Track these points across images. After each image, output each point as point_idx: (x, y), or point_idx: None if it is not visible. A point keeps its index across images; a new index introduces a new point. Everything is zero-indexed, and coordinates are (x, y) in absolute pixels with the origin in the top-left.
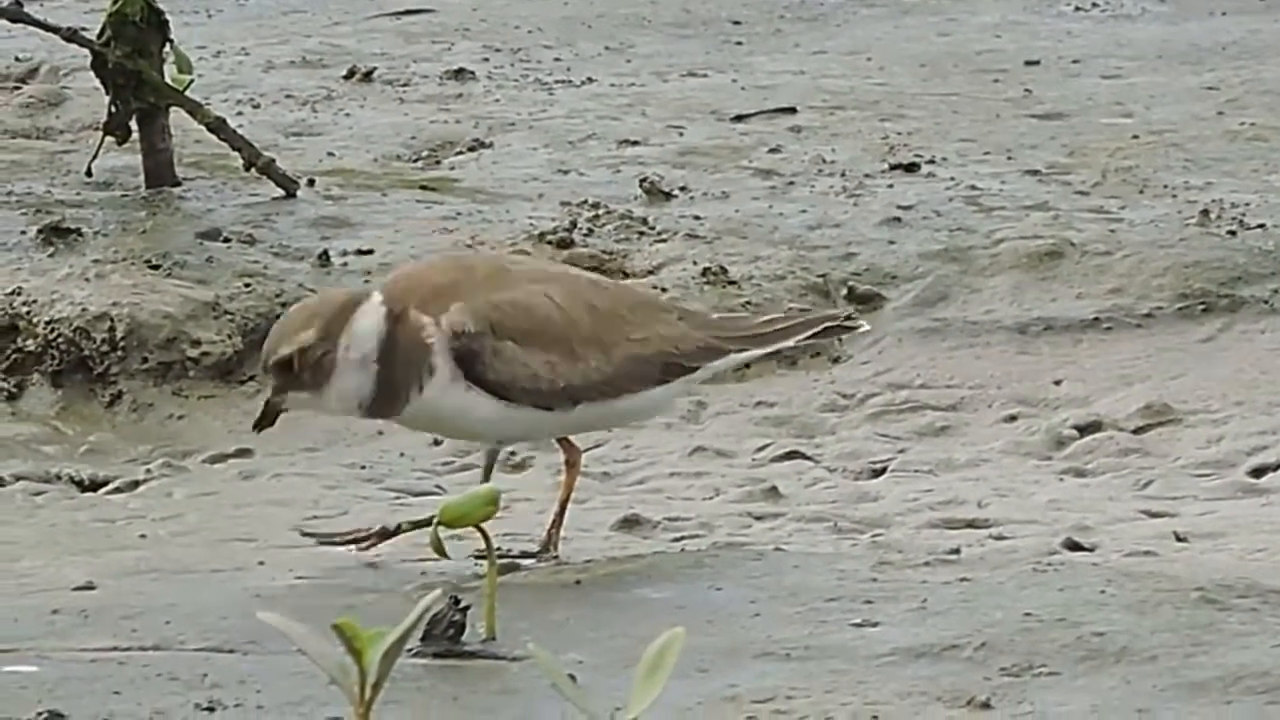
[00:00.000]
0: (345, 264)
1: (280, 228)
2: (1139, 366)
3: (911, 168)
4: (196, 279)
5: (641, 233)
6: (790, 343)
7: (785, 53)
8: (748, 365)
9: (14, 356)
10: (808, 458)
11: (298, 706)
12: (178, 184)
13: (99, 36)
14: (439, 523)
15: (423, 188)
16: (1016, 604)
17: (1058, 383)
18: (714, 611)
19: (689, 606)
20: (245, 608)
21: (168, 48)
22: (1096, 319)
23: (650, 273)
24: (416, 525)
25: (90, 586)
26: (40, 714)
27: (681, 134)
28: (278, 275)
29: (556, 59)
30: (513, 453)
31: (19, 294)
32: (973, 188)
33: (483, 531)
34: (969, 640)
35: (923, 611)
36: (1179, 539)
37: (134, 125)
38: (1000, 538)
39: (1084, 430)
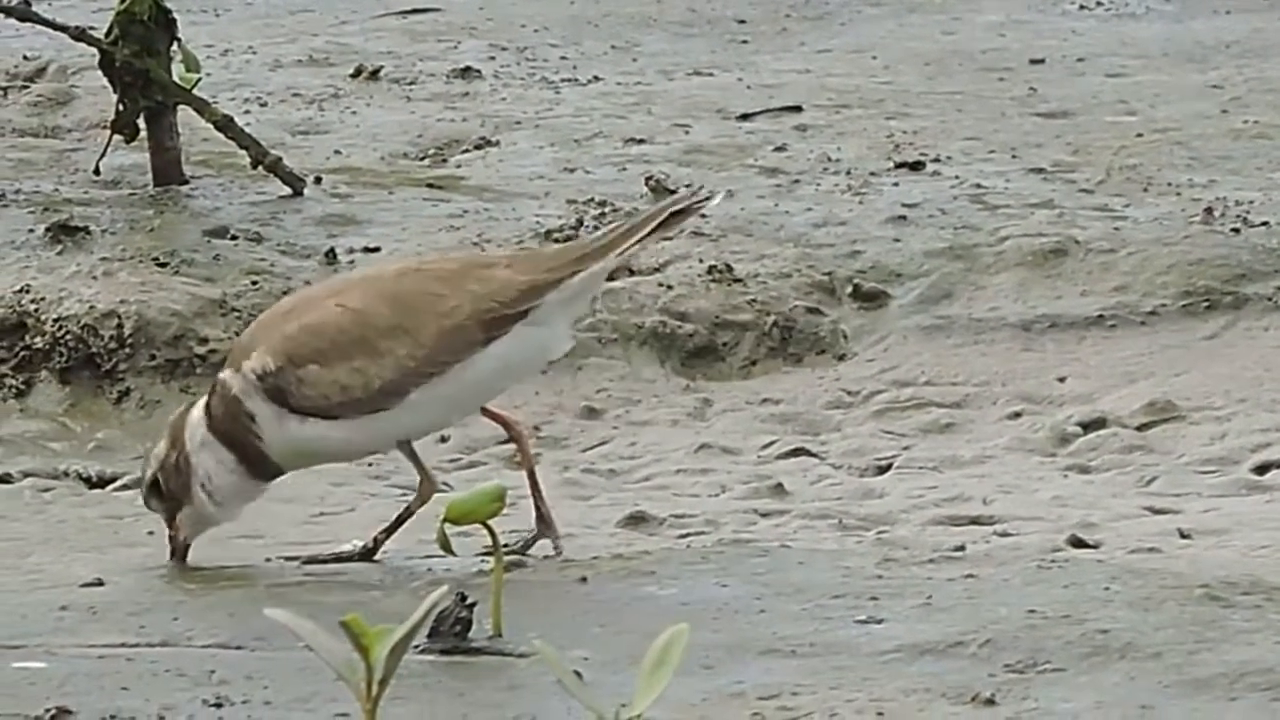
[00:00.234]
0: (352, 261)
1: (287, 225)
2: (1143, 364)
3: (917, 166)
4: (204, 276)
5: (663, 239)
6: (633, 244)
7: (790, 51)
8: (613, 277)
9: (22, 354)
10: (813, 455)
11: (305, 703)
12: (185, 182)
13: (107, 35)
14: (445, 520)
15: (429, 186)
16: (1021, 601)
17: (1062, 380)
18: (719, 608)
19: (694, 603)
20: (253, 604)
21: (175, 46)
22: (1101, 316)
23: (656, 270)
24: (389, 533)
25: (98, 583)
26: (48, 710)
27: (687, 132)
28: (285, 273)
29: (563, 58)
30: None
31: (27, 291)
32: (978, 186)
33: (489, 528)
34: (974, 637)
35: (928, 608)
36: (1183, 536)
37: (142, 124)
38: (1005, 534)
39: (1088, 427)
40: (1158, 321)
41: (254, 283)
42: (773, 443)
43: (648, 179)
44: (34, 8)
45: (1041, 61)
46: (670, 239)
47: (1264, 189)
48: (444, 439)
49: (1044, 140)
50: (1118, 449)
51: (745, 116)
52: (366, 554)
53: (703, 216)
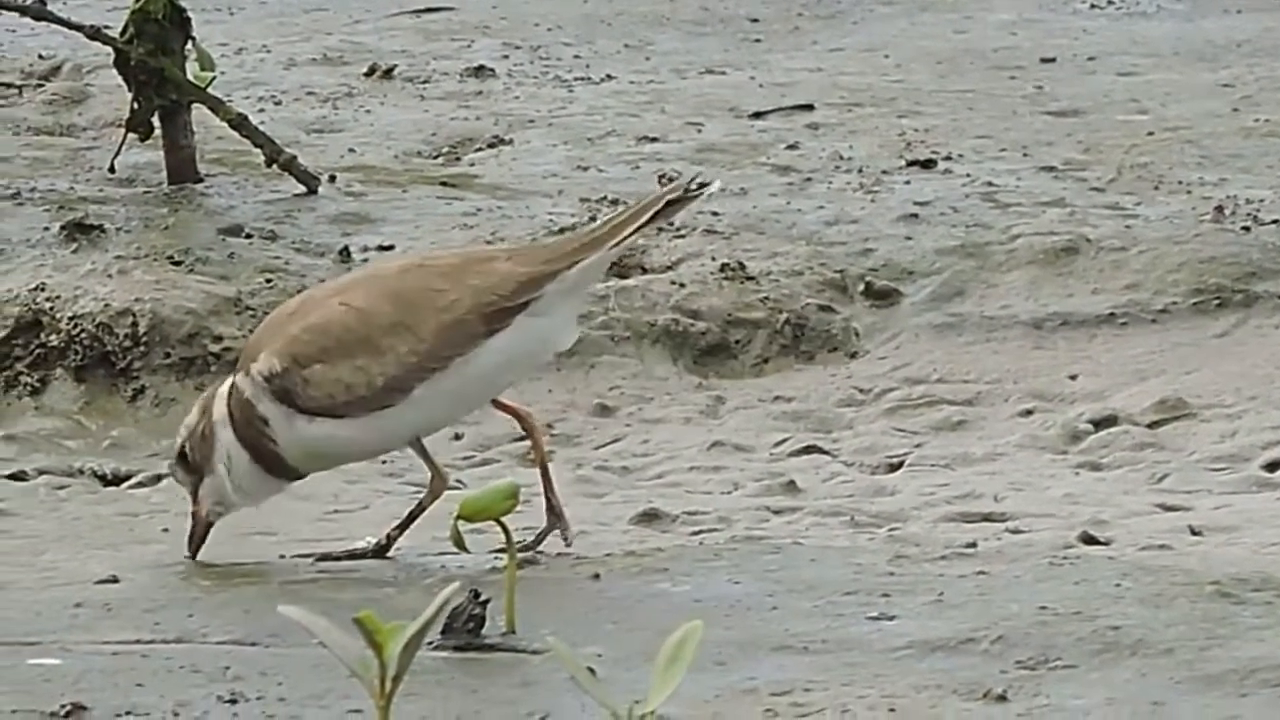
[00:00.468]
0: (366, 260)
1: (302, 224)
2: (1154, 361)
3: (928, 164)
4: (218, 275)
5: (660, 228)
6: (631, 233)
7: (803, 50)
8: (615, 263)
9: (37, 352)
10: (825, 452)
11: (319, 699)
12: (200, 180)
13: (121, 34)
14: (459, 517)
15: (443, 184)
16: (1032, 597)
17: (1073, 377)
18: (732, 605)
19: (707, 600)
20: (267, 601)
21: (190, 45)
22: (1112, 314)
23: (669, 268)
24: (402, 530)
25: (113, 580)
26: (63, 706)
27: (700, 131)
28: (299, 271)
29: (576, 56)
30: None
31: (42, 290)
32: (989, 184)
33: (502, 525)
34: (985, 633)
35: (939, 605)
36: (1194, 533)
37: (156, 122)
38: (1016, 531)
39: (1099, 425)
40: (1169, 319)
41: (268, 281)
42: (785, 440)
43: (660, 177)
44: (49, 6)
45: (1053, 60)
46: (672, 225)
47: (1275, 187)
48: (458, 437)
49: (1055, 139)
50: (1129, 446)
51: (758, 115)
52: (380, 551)
53: (715, 215)
